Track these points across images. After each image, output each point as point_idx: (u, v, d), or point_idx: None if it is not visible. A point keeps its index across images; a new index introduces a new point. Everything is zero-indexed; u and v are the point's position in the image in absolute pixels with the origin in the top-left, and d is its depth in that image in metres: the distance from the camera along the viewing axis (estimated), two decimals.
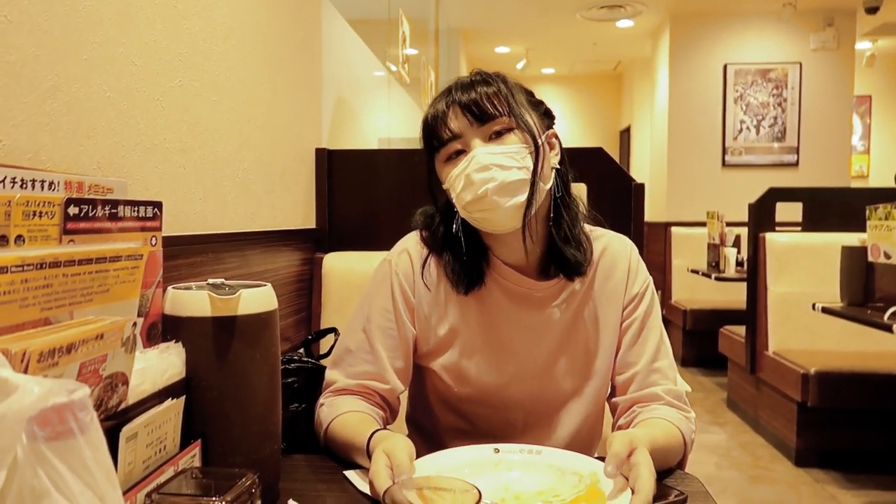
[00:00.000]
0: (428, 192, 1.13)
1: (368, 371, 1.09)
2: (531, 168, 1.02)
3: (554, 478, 0.89)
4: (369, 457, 0.89)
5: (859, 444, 3.08)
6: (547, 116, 1.11)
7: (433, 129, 1.07)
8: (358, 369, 1.09)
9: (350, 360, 1.11)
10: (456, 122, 1.04)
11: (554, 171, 1.08)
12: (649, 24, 6.30)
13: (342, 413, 1.04)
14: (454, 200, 1.06)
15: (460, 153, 1.05)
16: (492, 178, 1.00)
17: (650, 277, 1.15)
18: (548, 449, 0.95)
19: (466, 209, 1.04)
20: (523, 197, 1.01)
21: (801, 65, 5.77)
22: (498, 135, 1.04)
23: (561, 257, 1.09)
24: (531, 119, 1.06)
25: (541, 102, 1.12)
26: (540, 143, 1.04)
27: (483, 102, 1.04)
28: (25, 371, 0.52)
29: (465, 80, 1.08)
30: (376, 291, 1.13)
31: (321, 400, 1.11)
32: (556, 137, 1.11)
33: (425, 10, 5.22)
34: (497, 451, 0.94)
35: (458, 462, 0.90)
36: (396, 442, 0.86)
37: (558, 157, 1.10)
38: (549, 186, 1.07)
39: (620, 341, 1.12)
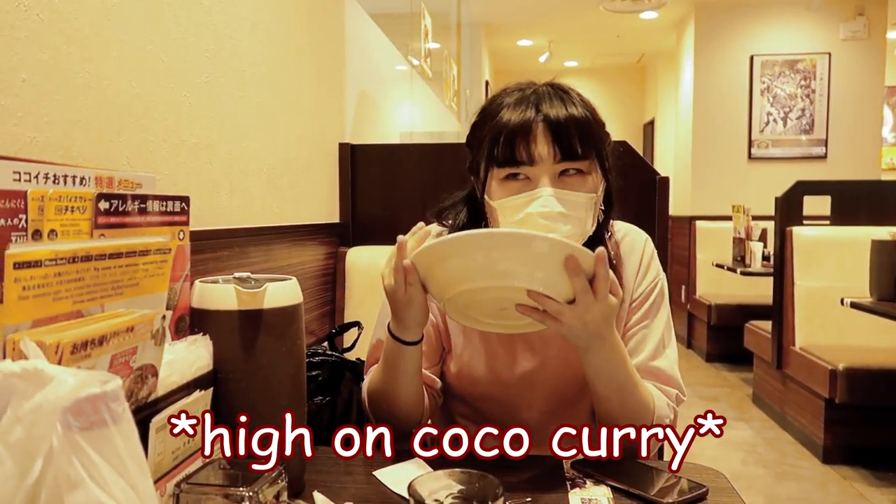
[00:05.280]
0: (475, 187, 1.06)
1: None
2: (588, 221, 0.98)
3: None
4: (397, 320, 0.96)
5: (888, 442, 3.03)
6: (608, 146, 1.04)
7: (510, 142, 0.96)
8: None
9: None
10: (539, 147, 0.95)
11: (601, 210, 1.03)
12: (673, 15, 6.22)
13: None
14: (499, 218, 0.99)
15: (519, 175, 0.98)
16: (552, 228, 0.93)
17: (661, 274, 1.12)
18: None
19: None
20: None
21: (830, 55, 5.66)
22: (567, 173, 0.97)
23: None
24: (609, 163, 1.00)
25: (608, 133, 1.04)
26: (607, 191, 1.00)
27: (574, 135, 0.95)
28: (59, 362, 0.53)
29: (553, 91, 0.99)
30: None
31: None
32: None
33: (447, 3, 5.21)
34: None
35: None
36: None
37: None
38: (590, 232, 1.01)
39: (623, 336, 1.07)
